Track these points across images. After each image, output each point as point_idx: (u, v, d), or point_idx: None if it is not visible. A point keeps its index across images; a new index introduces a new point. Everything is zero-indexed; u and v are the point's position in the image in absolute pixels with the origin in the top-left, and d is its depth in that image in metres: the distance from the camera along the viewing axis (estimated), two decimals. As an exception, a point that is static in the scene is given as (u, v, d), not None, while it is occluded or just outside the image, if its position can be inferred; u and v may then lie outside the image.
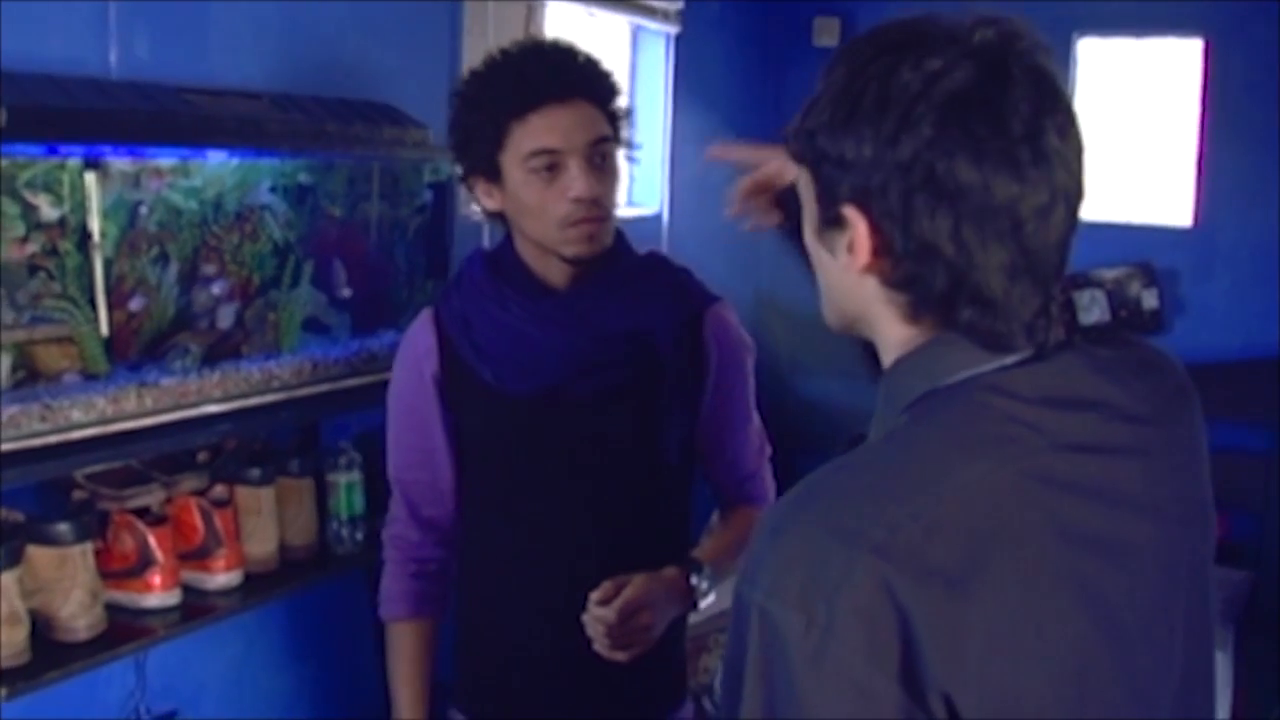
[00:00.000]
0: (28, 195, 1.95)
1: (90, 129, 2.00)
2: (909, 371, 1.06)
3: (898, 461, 1.00)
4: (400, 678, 2.07)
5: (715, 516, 2.15)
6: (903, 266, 1.02)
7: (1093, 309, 4.51)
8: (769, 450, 2.13)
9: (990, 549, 0.94)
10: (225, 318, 2.28)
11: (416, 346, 2.00)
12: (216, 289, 2.26)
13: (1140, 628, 1.02)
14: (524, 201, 1.85)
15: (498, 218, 1.94)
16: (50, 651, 2.01)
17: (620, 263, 1.95)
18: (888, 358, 1.09)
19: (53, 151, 1.98)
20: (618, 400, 1.93)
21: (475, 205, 1.97)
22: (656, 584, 1.82)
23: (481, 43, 3.12)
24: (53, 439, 1.95)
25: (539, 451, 1.96)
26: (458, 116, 1.89)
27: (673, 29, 4.07)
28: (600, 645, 1.77)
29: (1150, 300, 4.47)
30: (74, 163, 2.01)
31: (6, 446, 1.89)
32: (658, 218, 4.16)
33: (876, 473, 1.00)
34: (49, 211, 1.98)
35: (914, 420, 1.03)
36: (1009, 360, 1.03)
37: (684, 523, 2.08)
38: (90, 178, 2.03)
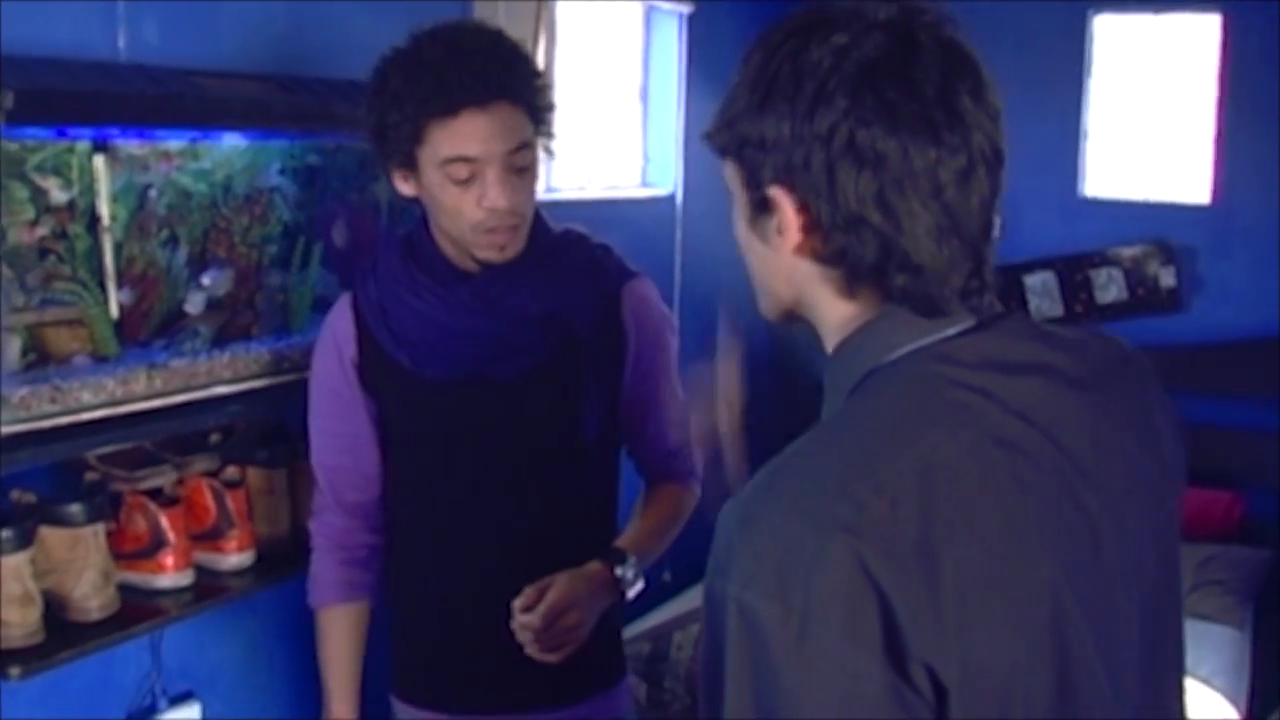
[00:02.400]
0: (37, 179, 1.96)
1: (99, 112, 2.00)
2: (853, 352, 1.07)
3: (855, 439, 1.01)
4: (329, 663, 2.10)
5: (640, 496, 2.15)
6: (833, 240, 1.03)
7: (1110, 288, 4.49)
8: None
9: (955, 515, 0.95)
10: (195, 304, 2.26)
11: (335, 333, 2.01)
12: (207, 280, 2.26)
13: (1104, 584, 1.03)
14: (438, 201, 1.86)
15: (414, 200, 1.94)
16: (63, 631, 2.03)
17: (535, 244, 1.94)
18: (831, 341, 1.10)
19: (62, 135, 1.99)
20: (536, 382, 1.94)
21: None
22: (580, 582, 1.83)
23: (493, 16, 3.12)
24: (63, 420, 1.96)
25: (459, 436, 1.97)
26: (375, 104, 1.87)
27: (685, 8, 4.06)
28: (530, 650, 1.79)
29: (1168, 279, 4.45)
30: (83, 146, 2.02)
31: (18, 428, 1.91)
32: (671, 199, 4.16)
33: (836, 452, 1.01)
34: (58, 195, 1.99)
35: (865, 397, 1.05)
36: (950, 331, 1.05)
37: (609, 503, 2.10)
38: (99, 161, 2.04)
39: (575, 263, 1.99)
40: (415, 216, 2.04)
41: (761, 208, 1.07)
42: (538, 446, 1.98)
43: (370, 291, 1.98)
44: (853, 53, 1.00)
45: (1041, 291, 4.53)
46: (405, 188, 1.91)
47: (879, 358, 1.05)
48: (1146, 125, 4.55)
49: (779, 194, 1.04)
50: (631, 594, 1.92)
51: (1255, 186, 4.34)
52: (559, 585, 1.80)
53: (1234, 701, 3.37)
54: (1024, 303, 4.54)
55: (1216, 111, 4.37)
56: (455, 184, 1.82)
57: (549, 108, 1.92)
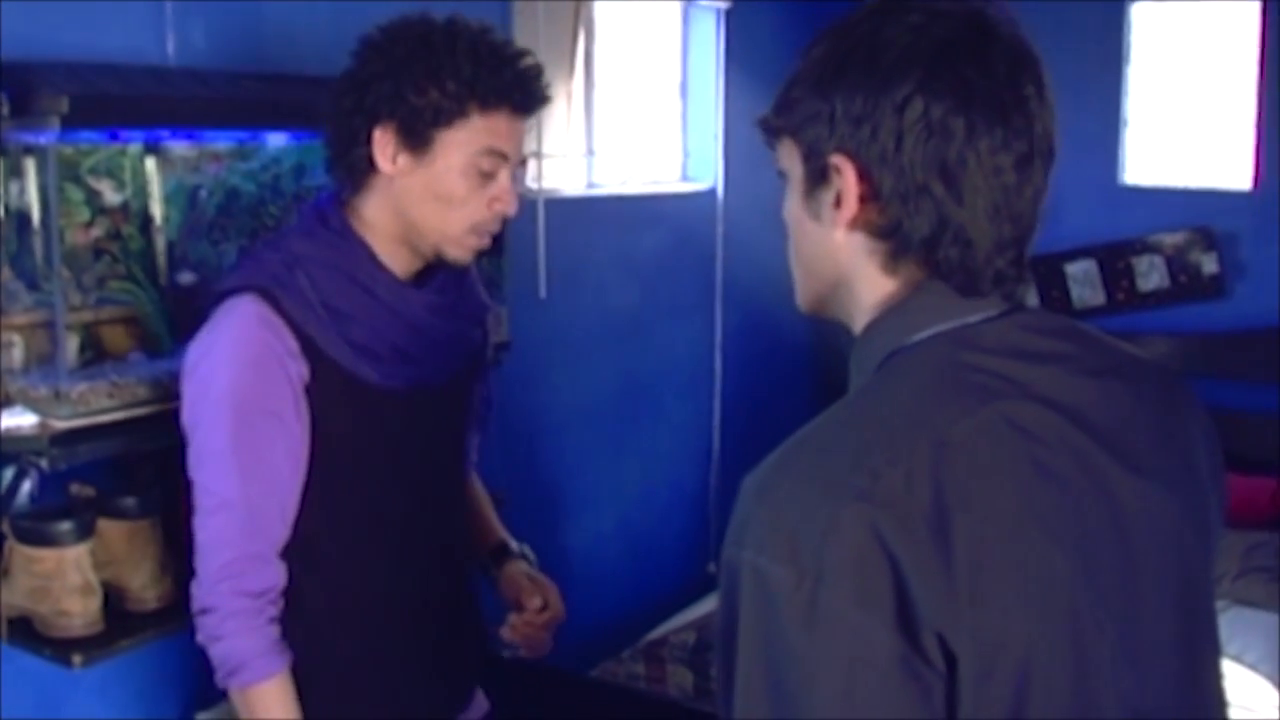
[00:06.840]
0: (91, 181, 2.02)
1: (150, 115, 2.05)
2: (879, 334, 1.09)
3: (872, 415, 1.03)
4: None
5: None
6: (889, 211, 1.05)
7: (1152, 275, 4.47)
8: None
9: (968, 490, 0.96)
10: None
11: (274, 348, 1.71)
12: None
13: (1131, 571, 1.03)
14: (446, 189, 1.74)
15: (362, 179, 1.77)
16: (123, 621, 2.07)
17: None
18: (859, 322, 1.12)
19: (114, 138, 2.04)
20: (457, 384, 1.95)
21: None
22: (539, 576, 2.02)
23: (532, 15, 3.16)
24: (120, 415, 2.01)
25: (403, 446, 1.86)
26: (414, 70, 1.71)
27: (723, 4, 4.08)
28: (535, 649, 1.98)
29: (1210, 265, 4.42)
30: (135, 148, 2.08)
31: (76, 423, 1.95)
32: (712, 192, 4.18)
33: (853, 427, 1.03)
34: (112, 196, 2.05)
35: (886, 376, 1.07)
36: (974, 318, 1.06)
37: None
38: (151, 163, 2.10)
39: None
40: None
41: (819, 179, 1.08)
42: (458, 450, 2.02)
43: (302, 293, 1.73)
44: (930, 31, 1.04)
45: (1083, 280, 4.53)
46: (386, 164, 1.74)
47: (902, 339, 1.07)
48: (1187, 112, 4.53)
49: (841, 161, 1.05)
50: None
51: (1297, 171, 4.31)
52: (541, 581, 1.98)
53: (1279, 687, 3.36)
54: (1065, 291, 4.54)
55: (1257, 97, 4.34)
56: (479, 175, 1.75)
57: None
